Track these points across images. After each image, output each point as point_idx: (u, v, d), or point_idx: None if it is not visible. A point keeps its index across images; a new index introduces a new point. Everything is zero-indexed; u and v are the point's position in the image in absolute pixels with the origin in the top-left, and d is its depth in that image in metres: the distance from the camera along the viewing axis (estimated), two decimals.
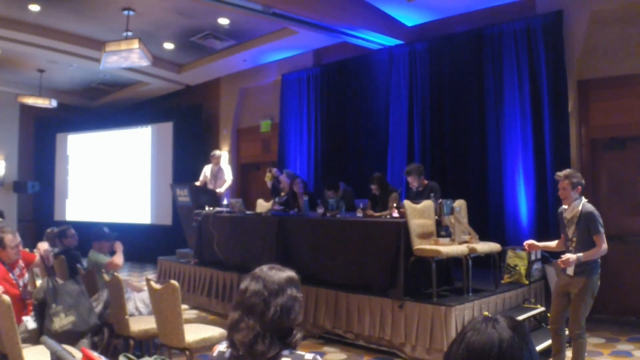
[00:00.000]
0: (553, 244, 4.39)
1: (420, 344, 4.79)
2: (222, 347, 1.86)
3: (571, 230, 4.12)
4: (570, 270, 4.04)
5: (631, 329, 5.69)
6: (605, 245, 3.96)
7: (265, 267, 1.85)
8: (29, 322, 3.70)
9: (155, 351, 4.56)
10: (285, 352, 1.73)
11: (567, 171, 4.17)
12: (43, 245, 4.12)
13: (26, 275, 4.01)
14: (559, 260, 4.07)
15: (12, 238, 3.97)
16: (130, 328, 4.21)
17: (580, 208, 4.05)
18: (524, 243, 4.47)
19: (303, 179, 8.05)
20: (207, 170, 8.78)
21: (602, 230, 3.97)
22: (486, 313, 4.87)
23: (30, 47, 9.04)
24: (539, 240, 4.71)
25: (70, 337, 3.70)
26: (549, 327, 4.39)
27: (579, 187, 4.07)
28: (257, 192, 9.80)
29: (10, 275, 3.93)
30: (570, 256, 3.96)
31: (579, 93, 6.46)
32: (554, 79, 6.44)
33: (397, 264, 5.14)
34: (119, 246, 4.86)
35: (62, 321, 3.70)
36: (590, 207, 4.04)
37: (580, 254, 3.94)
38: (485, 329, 1.16)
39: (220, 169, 8.71)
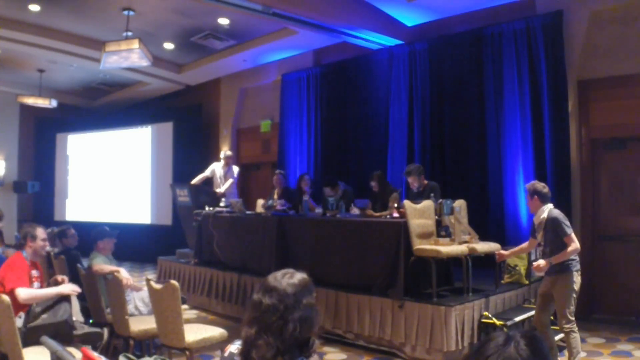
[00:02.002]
0: (524, 245, 4.74)
1: (420, 344, 4.80)
2: (234, 348, 1.81)
3: (540, 234, 4.39)
4: (547, 270, 4.28)
5: (631, 329, 5.69)
6: (575, 245, 4.16)
7: (278, 275, 1.78)
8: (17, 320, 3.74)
9: (155, 351, 4.57)
10: None
11: (529, 183, 4.54)
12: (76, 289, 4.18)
13: (40, 284, 4.04)
14: (532, 266, 4.42)
15: (42, 231, 4.10)
16: (130, 328, 4.20)
17: (545, 215, 4.29)
18: (496, 253, 4.89)
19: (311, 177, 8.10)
20: (217, 168, 8.72)
21: (569, 231, 4.18)
22: (486, 313, 4.88)
23: (30, 47, 9.04)
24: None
25: (39, 332, 3.69)
26: (536, 326, 4.50)
27: (535, 196, 4.34)
28: (257, 192, 9.81)
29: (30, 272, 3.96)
30: (540, 262, 4.25)
31: (579, 93, 6.46)
32: (554, 79, 6.44)
33: (397, 264, 5.14)
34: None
35: (36, 319, 3.72)
36: (554, 213, 4.27)
37: (551, 258, 4.19)
38: (508, 351, 1.14)
39: (230, 170, 8.70)
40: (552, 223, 4.22)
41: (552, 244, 4.25)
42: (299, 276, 1.79)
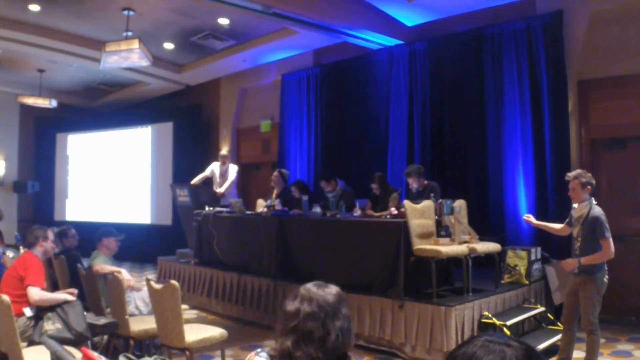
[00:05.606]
0: (556, 226, 4.52)
1: (420, 344, 4.80)
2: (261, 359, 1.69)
3: (576, 229, 4.23)
4: (575, 269, 4.18)
5: (631, 329, 5.69)
6: (610, 250, 4.03)
7: (310, 286, 1.70)
8: (27, 310, 3.78)
9: (155, 351, 4.56)
10: None
11: (576, 172, 4.27)
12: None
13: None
14: (562, 263, 4.28)
15: (52, 233, 4.23)
16: (130, 328, 4.21)
17: (587, 210, 4.13)
18: (524, 216, 4.72)
19: (302, 182, 7.97)
20: (215, 168, 8.81)
21: (608, 235, 4.03)
22: (486, 313, 4.88)
23: (30, 47, 9.03)
24: (540, 239, 4.76)
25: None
26: (562, 323, 4.45)
27: (589, 187, 4.15)
28: (257, 192, 9.80)
29: None
30: (571, 261, 4.16)
31: (579, 93, 6.46)
32: (554, 79, 6.44)
33: (397, 264, 5.14)
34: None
35: (48, 326, 3.73)
36: (597, 212, 4.10)
37: (582, 259, 4.09)
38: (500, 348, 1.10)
39: (228, 169, 8.74)
40: (592, 221, 4.06)
41: (587, 242, 4.12)
42: (334, 287, 1.73)
